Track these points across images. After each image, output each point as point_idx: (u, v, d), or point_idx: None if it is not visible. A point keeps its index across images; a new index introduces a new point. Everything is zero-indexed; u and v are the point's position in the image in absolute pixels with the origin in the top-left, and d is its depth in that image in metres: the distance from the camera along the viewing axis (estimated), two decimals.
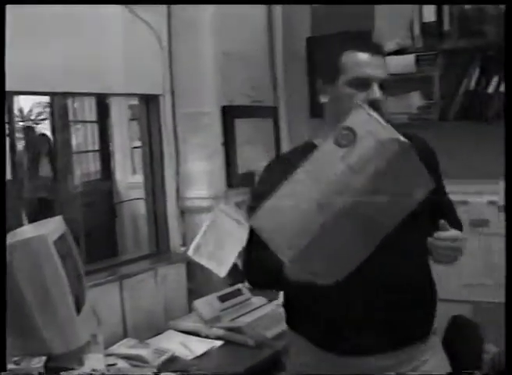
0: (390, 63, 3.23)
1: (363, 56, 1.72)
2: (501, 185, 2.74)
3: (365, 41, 1.89)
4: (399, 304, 1.71)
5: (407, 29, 3.27)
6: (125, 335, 2.73)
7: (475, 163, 3.18)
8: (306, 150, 1.51)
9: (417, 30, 3.21)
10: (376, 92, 1.68)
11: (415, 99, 3.22)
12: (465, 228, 2.02)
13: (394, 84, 3.28)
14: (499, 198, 3.05)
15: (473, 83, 3.10)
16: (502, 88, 3.01)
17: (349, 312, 1.71)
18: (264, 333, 2.64)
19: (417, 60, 3.18)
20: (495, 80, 3.05)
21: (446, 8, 3.14)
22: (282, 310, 1.95)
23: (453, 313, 2.56)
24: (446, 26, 3.13)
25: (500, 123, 2.97)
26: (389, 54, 3.25)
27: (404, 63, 3.20)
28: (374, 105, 1.59)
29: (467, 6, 3.09)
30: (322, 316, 1.75)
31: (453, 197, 1.97)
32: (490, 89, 3.06)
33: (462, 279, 3.24)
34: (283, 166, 1.64)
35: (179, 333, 2.74)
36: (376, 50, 1.77)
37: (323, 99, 1.80)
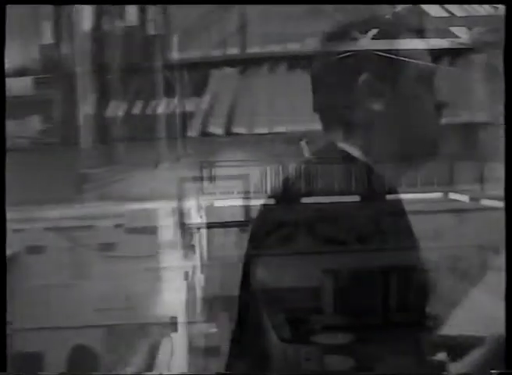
0: (10, 86, 3.20)
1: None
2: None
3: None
4: None
5: (27, 51, 3.20)
6: None
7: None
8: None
9: (35, 52, 3.15)
10: None
11: (35, 123, 3.15)
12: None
13: (14, 107, 3.25)
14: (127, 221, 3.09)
15: (91, 107, 3.13)
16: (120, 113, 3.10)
17: None
18: None
19: (36, 83, 3.12)
20: (113, 104, 3.11)
21: (64, 31, 3.13)
22: None
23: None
24: (64, 50, 3.12)
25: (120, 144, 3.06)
26: (8, 76, 3.17)
27: (23, 85, 3.12)
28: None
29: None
30: None
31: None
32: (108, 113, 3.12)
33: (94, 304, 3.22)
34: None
35: None
36: None
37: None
